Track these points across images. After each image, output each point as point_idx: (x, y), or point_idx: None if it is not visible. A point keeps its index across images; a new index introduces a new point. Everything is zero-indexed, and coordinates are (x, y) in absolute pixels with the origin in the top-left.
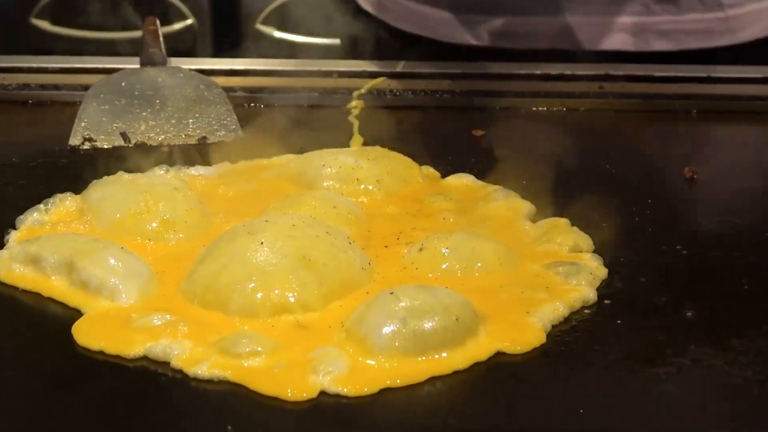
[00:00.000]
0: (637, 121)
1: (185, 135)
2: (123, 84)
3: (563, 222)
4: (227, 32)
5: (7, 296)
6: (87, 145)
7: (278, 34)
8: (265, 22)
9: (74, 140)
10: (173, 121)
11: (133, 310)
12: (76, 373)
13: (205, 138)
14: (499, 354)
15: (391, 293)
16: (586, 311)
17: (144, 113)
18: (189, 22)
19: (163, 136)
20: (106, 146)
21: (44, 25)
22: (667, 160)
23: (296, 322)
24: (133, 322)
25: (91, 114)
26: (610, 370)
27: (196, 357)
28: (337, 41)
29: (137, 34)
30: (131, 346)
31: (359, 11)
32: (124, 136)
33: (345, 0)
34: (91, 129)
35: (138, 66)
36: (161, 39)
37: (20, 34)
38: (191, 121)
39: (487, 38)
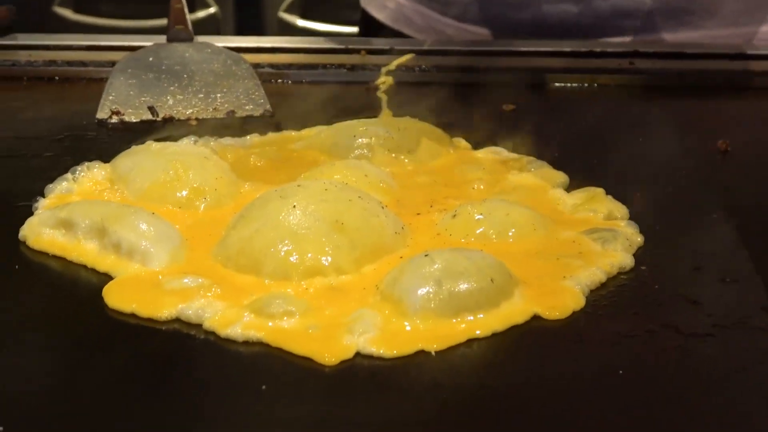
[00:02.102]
0: (669, 96)
1: (213, 109)
2: (150, 59)
3: (598, 191)
4: (250, 21)
5: (36, 262)
6: (114, 119)
7: (301, 22)
8: (288, 11)
9: (102, 114)
10: (201, 95)
11: (164, 274)
12: (107, 337)
13: (233, 112)
14: (536, 318)
15: (426, 255)
16: (622, 277)
17: (172, 87)
18: (212, 10)
19: (191, 110)
20: (133, 120)
21: (67, 13)
22: (700, 133)
23: (330, 285)
24: (164, 284)
25: (118, 88)
26: (649, 334)
27: (229, 318)
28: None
29: (159, 22)
30: (163, 308)
31: (369, 21)
32: (152, 109)
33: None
34: (119, 103)
35: (165, 42)
36: (188, 16)
37: (43, 23)
38: (219, 95)
39: None
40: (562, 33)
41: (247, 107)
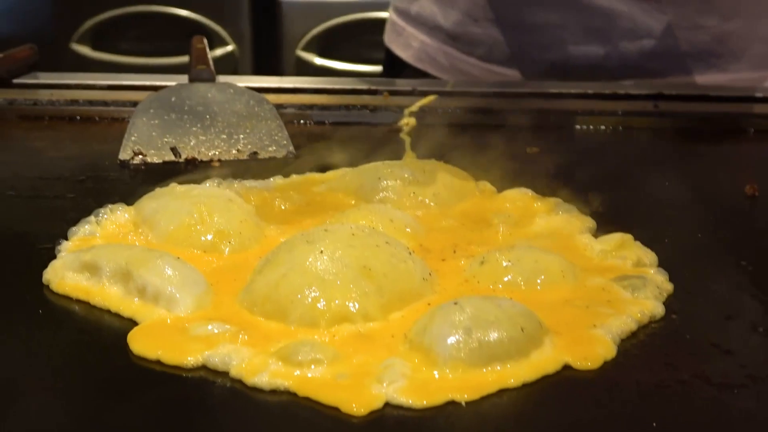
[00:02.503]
0: (694, 139)
1: (236, 150)
2: (173, 99)
3: (627, 237)
4: (268, 59)
5: (60, 306)
6: (137, 160)
7: (319, 60)
8: (306, 49)
9: (124, 155)
10: (224, 136)
11: (190, 320)
12: (131, 383)
13: (255, 153)
14: (566, 368)
15: (455, 303)
16: (653, 325)
17: (194, 128)
18: (230, 48)
19: (213, 152)
20: (156, 161)
21: (85, 50)
22: (727, 177)
23: (357, 332)
24: (190, 331)
25: (140, 128)
26: (681, 385)
27: (256, 366)
28: (377, 68)
29: (178, 60)
30: (189, 355)
31: (393, 60)
32: (175, 150)
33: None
34: (141, 143)
35: (187, 82)
36: (209, 57)
37: (61, 60)
38: (242, 136)
39: None
40: (587, 74)
41: (270, 148)
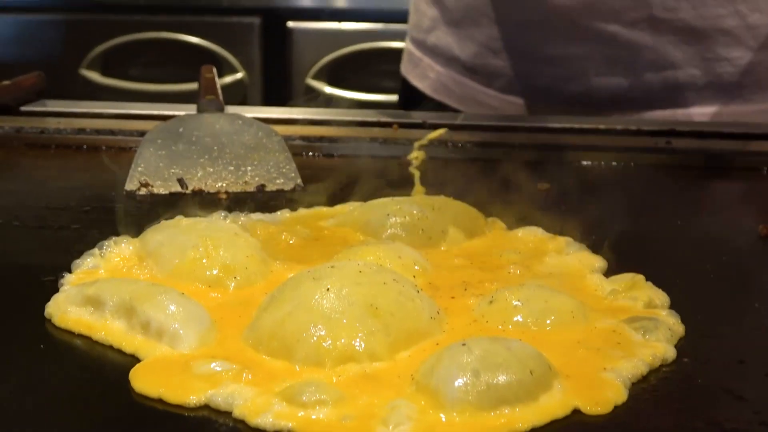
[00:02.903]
0: (706, 177)
1: (243, 182)
2: (181, 129)
3: (638, 277)
4: (278, 87)
5: (62, 341)
6: (143, 191)
7: (329, 89)
8: (316, 77)
9: (130, 185)
10: (231, 168)
11: (193, 358)
12: (133, 422)
13: (263, 186)
14: (576, 412)
15: (463, 344)
16: (664, 369)
17: (202, 159)
18: (240, 75)
19: (220, 183)
20: (162, 192)
21: (94, 76)
22: (740, 216)
23: (363, 372)
24: (193, 369)
25: (147, 159)
26: None
27: (260, 406)
28: (384, 97)
29: (187, 87)
30: (191, 394)
31: (410, 90)
32: (182, 182)
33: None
34: (148, 174)
35: (195, 113)
36: (218, 87)
37: (70, 85)
38: (250, 168)
39: None
40: (610, 106)
41: (277, 181)
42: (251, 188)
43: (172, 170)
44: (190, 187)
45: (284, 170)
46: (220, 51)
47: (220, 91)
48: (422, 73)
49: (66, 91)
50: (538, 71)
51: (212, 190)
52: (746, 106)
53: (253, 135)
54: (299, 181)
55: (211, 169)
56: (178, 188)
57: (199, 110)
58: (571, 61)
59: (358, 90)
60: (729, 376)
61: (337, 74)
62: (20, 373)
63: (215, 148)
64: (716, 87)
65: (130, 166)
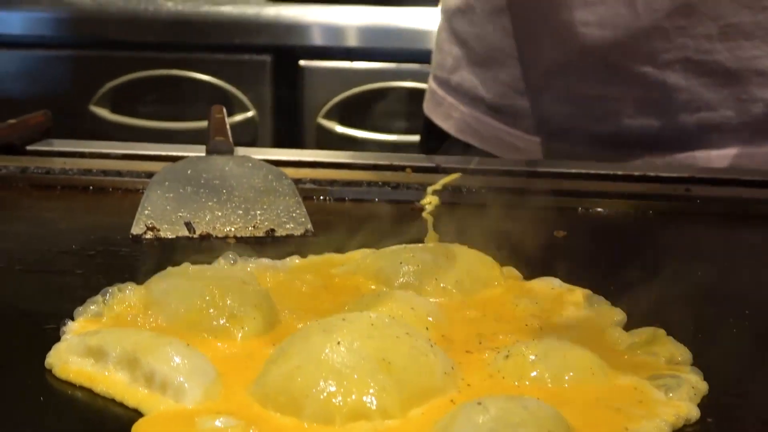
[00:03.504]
0: (727, 225)
1: (252, 227)
2: (189, 171)
3: (659, 332)
4: (289, 125)
5: (63, 393)
6: (150, 235)
7: (340, 128)
8: (327, 117)
9: (137, 229)
10: (240, 211)
11: (198, 412)
12: None
13: (272, 231)
14: None
15: (479, 403)
16: (688, 429)
17: (210, 203)
18: (251, 114)
19: (229, 228)
20: (169, 236)
21: (104, 113)
22: (762, 267)
23: (375, 430)
24: (198, 424)
25: (154, 202)
26: None
27: None
28: (395, 137)
29: (197, 125)
30: None
31: (433, 130)
32: (189, 226)
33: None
34: (155, 218)
35: (204, 154)
36: (228, 128)
37: (80, 122)
38: (259, 212)
39: None
40: (640, 147)
41: (287, 226)
42: (260, 233)
43: (180, 214)
44: (198, 232)
45: (294, 215)
46: (231, 89)
47: (229, 132)
48: (446, 113)
49: (75, 128)
50: (568, 112)
51: (220, 235)
52: None
53: (263, 178)
54: (309, 226)
55: (220, 213)
56: (185, 232)
57: (209, 151)
58: (602, 101)
59: (369, 129)
60: None
61: (348, 113)
62: (19, 427)
63: (224, 191)
64: (751, 128)
65: (137, 208)
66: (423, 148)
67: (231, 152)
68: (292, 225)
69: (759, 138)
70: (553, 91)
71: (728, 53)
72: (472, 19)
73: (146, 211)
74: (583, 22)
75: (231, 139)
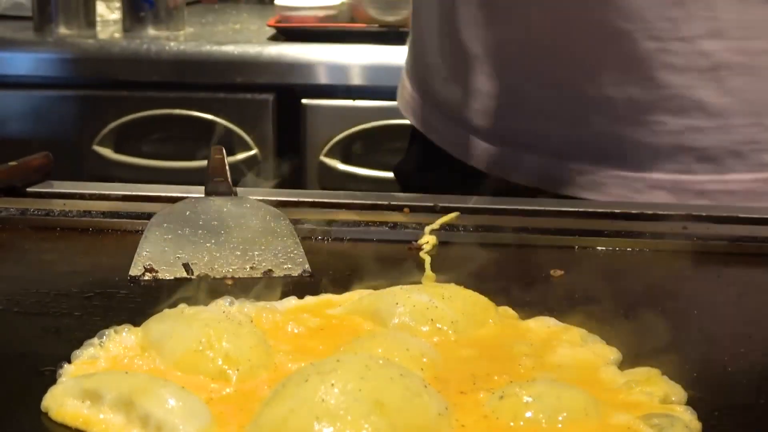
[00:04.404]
0: (725, 263)
1: (250, 267)
2: (187, 213)
3: (653, 372)
4: (291, 164)
5: None
6: (148, 276)
7: (342, 166)
8: (328, 155)
9: (135, 270)
10: (238, 252)
11: None
12: None
13: (270, 271)
14: None
15: None
16: None
17: (208, 244)
18: (253, 152)
19: (227, 269)
20: (167, 277)
21: (107, 152)
22: (759, 305)
23: None
24: None
25: (153, 243)
26: None
27: None
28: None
29: (200, 164)
30: None
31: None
32: (187, 267)
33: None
34: (153, 259)
35: (203, 195)
36: (227, 169)
37: (82, 161)
38: (257, 253)
39: (527, 178)
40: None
41: (285, 266)
42: (258, 274)
43: (178, 255)
44: (196, 273)
45: (292, 255)
46: (234, 128)
47: (228, 173)
48: (405, 104)
49: (78, 167)
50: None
51: (218, 276)
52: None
53: (261, 219)
54: (307, 266)
55: (218, 254)
56: (183, 273)
57: (207, 193)
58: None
59: (372, 167)
60: None
61: (350, 151)
62: None
63: (222, 232)
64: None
65: (136, 249)
66: (414, 165)
67: (230, 193)
68: (289, 266)
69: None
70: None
71: None
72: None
73: (144, 252)
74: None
75: (230, 180)
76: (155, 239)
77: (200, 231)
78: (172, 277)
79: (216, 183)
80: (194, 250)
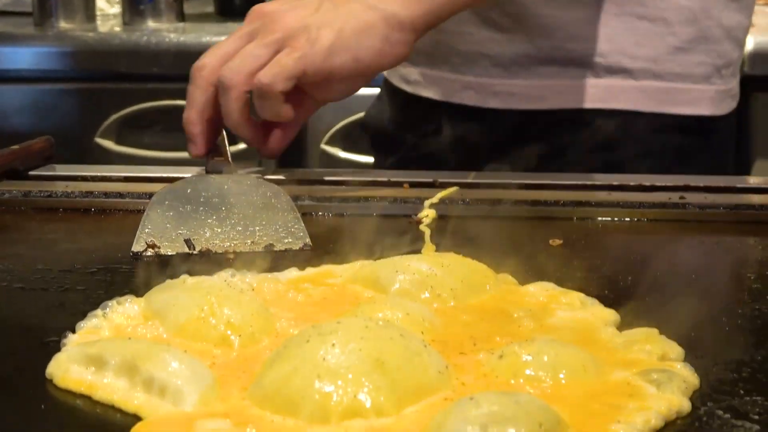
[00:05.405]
0: (722, 232)
1: (251, 242)
2: (188, 191)
3: (652, 331)
4: (292, 151)
5: (62, 402)
6: (150, 252)
7: (343, 154)
8: (329, 143)
9: (137, 247)
10: (239, 228)
11: (196, 416)
12: None
13: (271, 245)
14: None
15: (471, 399)
16: (679, 422)
17: (209, 220)
18: None
19: (228, 243)
20: (169, 253)
21: (109, 144)
22: (756, 271)
23: (370, 427)
24: (196, 427)
25: (154, 220)
26: None
27: None
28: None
29: None
30: None
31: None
32: (189, 242)
33: None
34: (155, 235)
35: (204, 173)
36: (227, 148)
37: (84, 153)
38: (258, 228)
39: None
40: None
41: (286, 240)
42: (259, 248)
43: (180, 231)
44: (198, 248)
45: (293, 230)
46: None
47: (228, 153)
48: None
49: (80, 159)
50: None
51: (220, 251)
52: None
53: (262, 195)
54: (308, 240)
55: (219, 230)
56: (185, 249)
57: (208, 171)
58: None
59: (371, 154)
60: (747, 429)
61: (351, 139)
62: None
63: (223, 208)
64: None
65: (138, 228)
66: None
67: (230, 172)
68: (290, 240)
69: None
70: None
71: None
72: None
73: (146, 230)
74: None
75: (230, 159)
76: (156, 216)
77: (201, 208)
78: (174, 253)
79: (216, 162)
80: (196, 226)
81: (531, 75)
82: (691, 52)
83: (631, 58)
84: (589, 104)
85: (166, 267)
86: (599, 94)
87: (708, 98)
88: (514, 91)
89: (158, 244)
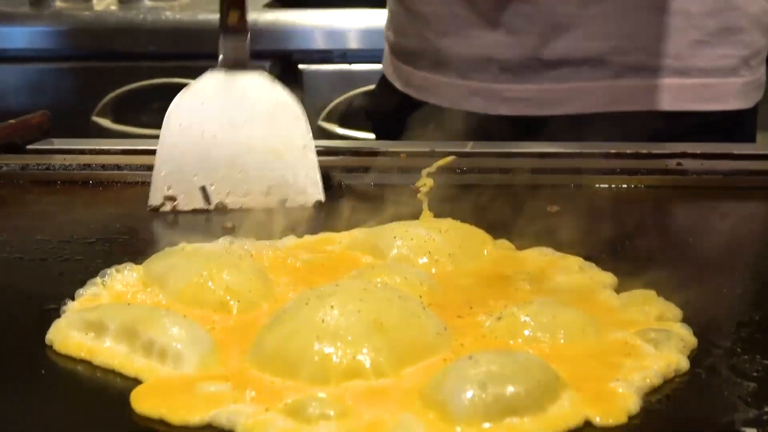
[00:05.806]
0: (719, 197)
1: (266, 195)
2: (202, 104)
3: (649, 293)
4: None
5: (62, 367)
6: (168, 206)
7: (341, 131)
8: (327, 119)
9: (154, 200)
10: (254, 179)
11: (196, 379)
12: None
13: (285, 200)
14: (589, 425)
15: (470, 358)
16: (677, 379)
17: (223, 171)
18: None
19: (243, 199)
20: (186, 209)
21: (106, 123)
22: (753, 236)
23: (370, 387)
24: (196, 389)
25: (168, 159)
26: None
27: (263, 424)
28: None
29: None
30: (194, 414)
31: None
32: (205, 191)
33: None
34: (171, 180)
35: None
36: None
37: (82, 132)
38: (271, 175)
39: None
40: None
41: (299, 196)
42: (273, 203)
43: (195, 177)
44: (214, 202)
45: (309, 180)
46: None
47: (247, 6)
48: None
49: (77, 137)
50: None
51: (235, 207)
52: None
53: (283, 128)
54: (320, 196)
55: (235, 179)
56: (201, 202)
57: (223, 31)
58: None
59: (370, 131)
60: (745, 387)
61: (349, 115)
62: (21, 398)
63: (239, 154)
64: None
65: (136, 200)
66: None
67: (245, 66)
68: (304, 194)
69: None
70: None
71: None
72: None
73: (162, 173)
74: None
75: (247, 16)
76: (170, 151)
77: (214, 151)
78: (191, 209)
79: (233, 34)
80: (211, 176)
81: (542, 79)
82: (716, 45)
83: (651, 54)
84: (603, 107)
85: (164, 236)
86: (616, 94)
87: (735, 92)
88: (524, 97)
89: (175, 196)
